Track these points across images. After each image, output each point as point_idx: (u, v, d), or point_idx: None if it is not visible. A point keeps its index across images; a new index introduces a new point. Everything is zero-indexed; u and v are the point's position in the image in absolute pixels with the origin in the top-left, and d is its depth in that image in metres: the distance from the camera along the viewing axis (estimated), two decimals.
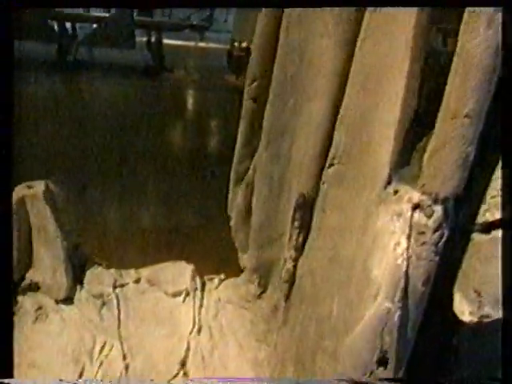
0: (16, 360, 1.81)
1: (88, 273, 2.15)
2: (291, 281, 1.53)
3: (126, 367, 1.77)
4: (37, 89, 6.98)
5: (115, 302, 2.07)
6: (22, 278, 2.15)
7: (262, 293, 1.94)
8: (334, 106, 1.37)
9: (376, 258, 1.18)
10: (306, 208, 1.45)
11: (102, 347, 1.83)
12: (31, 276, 2.11)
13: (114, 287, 2.13)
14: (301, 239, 1.46)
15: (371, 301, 1.17)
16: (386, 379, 1.14)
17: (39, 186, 1.98)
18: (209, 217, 3.34)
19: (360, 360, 1.17)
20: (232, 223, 1.95)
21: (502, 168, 1.15)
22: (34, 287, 2.13)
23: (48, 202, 1.97)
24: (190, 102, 8.66)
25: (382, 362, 1.15)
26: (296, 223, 1.45)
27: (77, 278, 2.11)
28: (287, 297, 1.57)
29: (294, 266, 1.50)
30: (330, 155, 1.39)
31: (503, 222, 1.14)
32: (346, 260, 1.30)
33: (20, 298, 2.13)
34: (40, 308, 2.06)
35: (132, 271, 2.24)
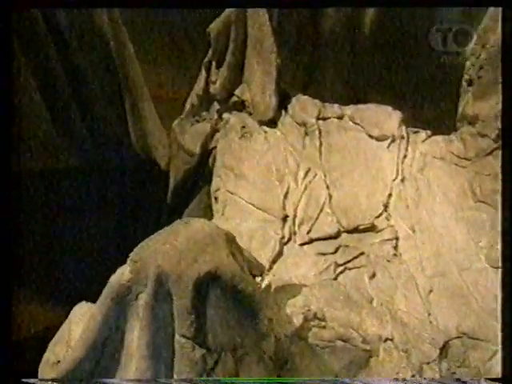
0: (226, 171, 1.89)
1: (293, 99, 2.06)
2: None
3: (330, 197, 1.71)
4: None
5: (317, 133, 1.98)
6: (230, 95, 2.15)
7: (497, 149, 1.64)
8: None
9: None
10: None
11: (306, 173, 1.79)
12: (239, 93, 2.09)
13: (318, 119, 2.02)
14: None
15: None
16: None
17: None
18: None
19: None
20: None
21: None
22: (240, 106, 2.12)
23: (267, 14, 1.83)
24: None
25: None
26: None
27: (282, 103, 2.03)
28: None
29: None
30: None
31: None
32: None
33: (226, 115, 2.15)
34: (244, 127, 2.07)
35: (336, 106, 2.08)
